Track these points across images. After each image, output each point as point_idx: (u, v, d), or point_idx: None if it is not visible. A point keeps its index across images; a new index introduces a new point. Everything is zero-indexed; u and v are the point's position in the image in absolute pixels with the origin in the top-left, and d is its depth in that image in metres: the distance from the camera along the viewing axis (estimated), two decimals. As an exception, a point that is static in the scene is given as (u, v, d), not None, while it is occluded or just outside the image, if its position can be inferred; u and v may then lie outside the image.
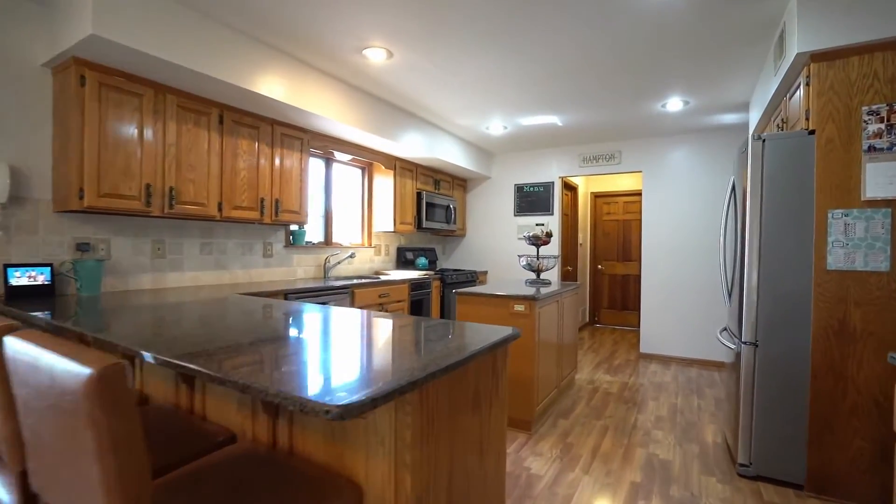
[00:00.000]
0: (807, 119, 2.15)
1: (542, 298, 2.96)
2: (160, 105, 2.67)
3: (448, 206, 5.47)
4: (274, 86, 3.00)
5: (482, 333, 1.49)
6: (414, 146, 4.44)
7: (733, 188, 2.67)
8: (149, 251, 2.95)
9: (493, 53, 2.98)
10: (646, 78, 3.37)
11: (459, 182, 5.94)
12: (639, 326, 6.57)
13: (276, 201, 3.39)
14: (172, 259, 3.07)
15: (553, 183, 5.50)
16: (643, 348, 5.01)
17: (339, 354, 1.21)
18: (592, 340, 5.91)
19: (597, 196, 7.03)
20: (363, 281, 3.83)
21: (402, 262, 5.22)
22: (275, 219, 3.38)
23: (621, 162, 5.13)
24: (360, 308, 3.73)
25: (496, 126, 4.66)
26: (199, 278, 3.24)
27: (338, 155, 4.31)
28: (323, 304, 3.38)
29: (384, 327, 1.64)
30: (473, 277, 5.48)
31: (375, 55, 3.00)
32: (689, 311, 4.76)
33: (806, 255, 2.15)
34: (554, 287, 3.50)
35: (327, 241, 4.39)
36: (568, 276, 6.22)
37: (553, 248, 5.48)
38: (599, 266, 7.02)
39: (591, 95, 3.75)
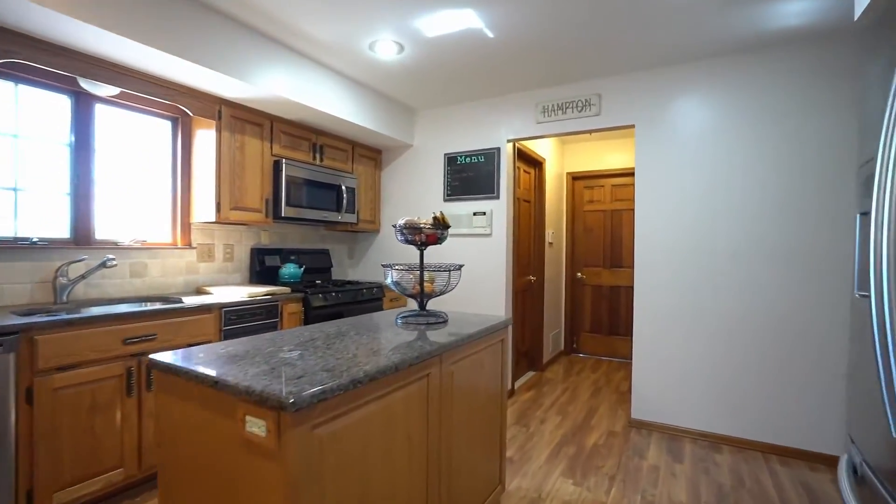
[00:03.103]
0: None
1: (337, 395, 1.06)
2: None
3: (339, 187, 3.57)
4: None
5: None
6: (256, 81, 2.56)
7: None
8: None
9: None
10: None
11: (367, 153, 4.04)
12: (632, 358, 4.68)
13: None
14: None
15: (499, 150, 3.60)
16: (636, 411, 3.11)
17: None
18: (564, 385, 4.01)
19: (575, 177, 5.13)
20: (78, 315, 1.92)
21: (260, 271, 3.32)
22: None
23: (601, 112, 3.23)
24: (59, 372, 1.85)
25: (386, 44, 2.76)
26: None
27: (89, 86, 2.42)
28: None
29: None
30: (376, 296, 3.59)
31: None
32: (714, 355, 2.86)
33: None
34: (447, 332, 1.60)
35: (79, 238, 2.50)
36: (530, 289, 4.32)
37: (483, 249, 3.58)
38: (579, 274, 5.12)
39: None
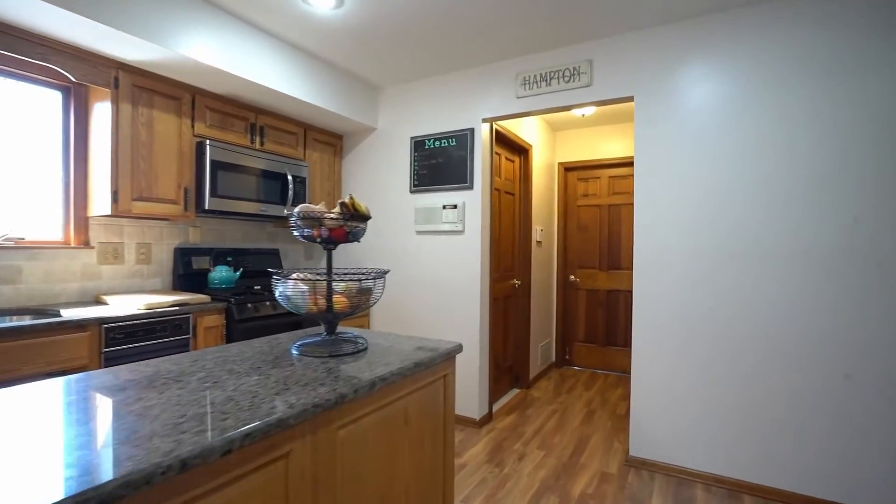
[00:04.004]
0: None
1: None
2: None
3: (284, 176, 3.03)
4: None
5: None
6: (165, 41, 2.02)
7: None
8: None
9: None
10: None
11: (324, 137, 3.49)
12: (631, 373, 4.11)
13: None
14: None
15: (473, 131, 3.04)
16: (636, 446, 2.55)
17: None
18: (553, 406, 3.45)
19: (568, 168, 4.57)
20: None
21: (184, 275, 2.78)
22: None
23: (592, 82, 2.67)
24: None
25: (320, -8, 2.21)
26: None
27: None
28: None
29: None
30: (327, 303, 3.03)
31: None
32: (731, 379, 2.30)
33: None
34: (363, 367, 1.05)
35: (-78, 234, 1.96)
36: (514, 294, 3.77)
37: (454, 249, 3.02)
38: (572, 277, 4.56)
39: None
